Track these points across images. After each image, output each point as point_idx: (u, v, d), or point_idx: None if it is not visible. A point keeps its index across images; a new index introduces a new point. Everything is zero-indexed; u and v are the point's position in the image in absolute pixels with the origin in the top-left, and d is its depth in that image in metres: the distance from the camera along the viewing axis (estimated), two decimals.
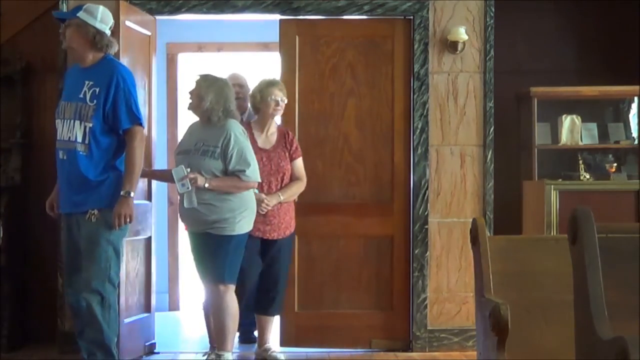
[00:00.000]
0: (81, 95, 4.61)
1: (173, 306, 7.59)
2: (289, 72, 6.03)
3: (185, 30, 7.38)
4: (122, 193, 4.56)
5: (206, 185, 5.01)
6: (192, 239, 5.20)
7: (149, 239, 5.79)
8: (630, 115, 6.50)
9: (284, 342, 6.00)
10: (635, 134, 6.41)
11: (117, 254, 4.66)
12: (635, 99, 6.39)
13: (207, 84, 5.16)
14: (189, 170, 4.99)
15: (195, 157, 5.08)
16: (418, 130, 5.98)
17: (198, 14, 6.01)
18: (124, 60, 5.26)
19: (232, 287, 5.08)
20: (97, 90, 4.59)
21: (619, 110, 6.62)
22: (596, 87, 6.28)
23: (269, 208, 5.41)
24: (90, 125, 4.56)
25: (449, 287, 6.01)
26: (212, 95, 5.11)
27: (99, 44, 4.67)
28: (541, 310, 3.88)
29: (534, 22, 6.66)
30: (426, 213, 5.98)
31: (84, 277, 4.56)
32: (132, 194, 4.57)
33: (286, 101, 5.61)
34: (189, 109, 5.25)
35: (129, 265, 5.46)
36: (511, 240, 4.23)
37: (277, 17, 6.04)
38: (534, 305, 3.89)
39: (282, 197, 5.47)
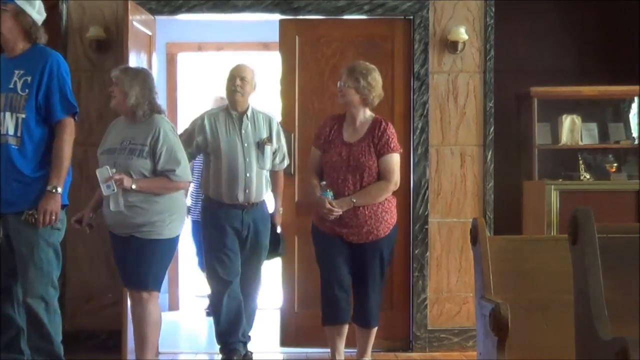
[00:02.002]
0: (11, 86, 4.33)
1: (173, 306, 7.59)
2: (289, 72, 6.03)
3: (185, 30, 7.38)
4: (48, 188, 4.27)
5: (133, 186, 4.60)
6: (115, 241, 4.78)
7: None
8: (630, 115, 6.50)
9: (283, 342, 6.00)
10: (635, 134, 6.41)
11: (58, 255, 4.42)
12: (635, 99, 6.39)
13: (129, 78, 4.73)
14: (114, 171, 4.59)
15: (121, 156, 4.67)
16: (418, 130, 5.98)
17: (198, 14, 6.01)
18: (131, 59, 5.26)
19: (156, 295, 4.73)
20: (29, 79, 4.33)
21: (619, 110, 6.62)
22: (596, 87, 6.28)
23: (335, 216, 4.86)
24: (23, 116, 4.30)
25: (449, 287, 6.01)
26: (137, 89, 4.70)
27: (34, 35, 4.41)
28: (541, 310, 3.88)
29: (534, 22, 6.66)
30: (426, 213, 5.98)
31: (26, 282, 4.33)
32: (59, 190, 4.29)
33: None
34: (112, 106, 4.84)
35: None
36: (511, 240, 4.23)
37: (277, 17, 6.04)
38: (534, 305, 3.89)
39: (355, 201, 4.87)
